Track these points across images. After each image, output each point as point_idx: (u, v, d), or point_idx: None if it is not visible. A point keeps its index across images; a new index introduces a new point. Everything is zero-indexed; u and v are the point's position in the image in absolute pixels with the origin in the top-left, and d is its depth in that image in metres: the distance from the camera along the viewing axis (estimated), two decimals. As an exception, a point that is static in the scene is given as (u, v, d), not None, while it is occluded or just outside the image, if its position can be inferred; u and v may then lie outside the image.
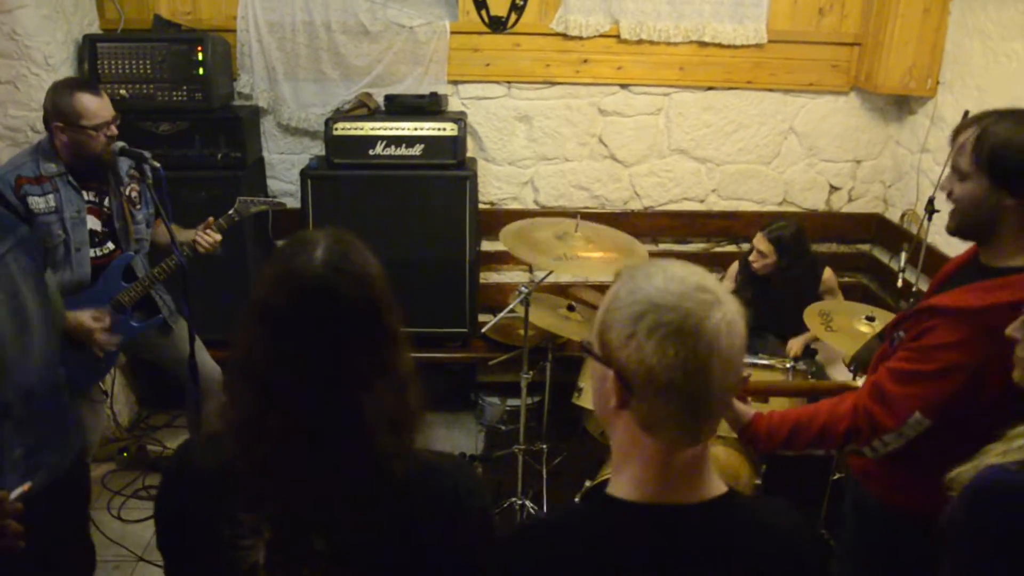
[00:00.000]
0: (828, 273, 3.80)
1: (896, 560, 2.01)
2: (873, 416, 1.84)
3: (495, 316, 3.38)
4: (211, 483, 1.23)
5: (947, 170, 1.87)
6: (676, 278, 1.09)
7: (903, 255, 3.39)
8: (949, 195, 1.85)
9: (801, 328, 3.36)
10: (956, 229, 1.88)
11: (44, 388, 1.99)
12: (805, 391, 2.90)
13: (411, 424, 1.26)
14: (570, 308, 3.62)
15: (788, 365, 3.10)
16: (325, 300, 1.18)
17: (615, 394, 1.10)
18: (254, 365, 1.19)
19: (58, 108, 2.83)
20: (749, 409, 2.06)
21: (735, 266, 3.97)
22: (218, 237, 3.11)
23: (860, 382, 2.72)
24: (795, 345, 3.68)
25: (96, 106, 2.84)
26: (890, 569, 2.03)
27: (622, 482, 1.16)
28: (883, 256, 4.54)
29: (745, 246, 4.33)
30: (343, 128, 3.93)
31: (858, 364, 2.64)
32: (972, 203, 1.80)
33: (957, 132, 1.83)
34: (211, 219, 3.12)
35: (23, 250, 1.96)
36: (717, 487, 1.16)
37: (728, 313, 1.08)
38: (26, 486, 1.61)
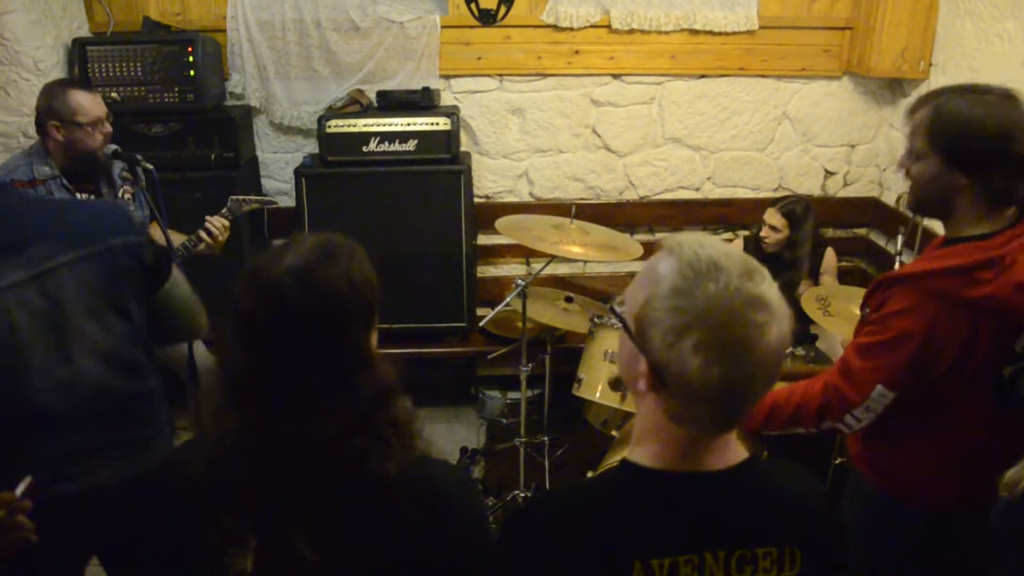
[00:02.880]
0: (830, 254, 3.81)
1: (895, 543, 2.02)
2: (840, 392, 1.88)
3: (493, 310, 3.38)
4: (197, 489, 1.23)
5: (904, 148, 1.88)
6: (732, 288, 1.02)
7: (900, 238, 3.38)
8: (906, 173, 1.86)
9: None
10: (915, 206, 1.91)
11: (103, 397, 1.95)
12: (802, 375, 2.87)
13: (393, 427, 1.25)
14: (568, 300, 3.62)
15: (787, 351, 3.10)
16: (282, 307, 1.19)
17: (646, 381, 1.08)
18: (232, 372, 1.20)
19: (53, 107, 2.81)
20: None
21: (738, 246, 3.95)
22: (227, 222, 3.11)
23: None
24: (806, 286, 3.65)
25: (90, 102, 2.83)
26: (891, 553, 2.04)
27: (643, 454, 1.15)
28: (880, 240, 4.54)
29: (743, 233, 4.33)
30: (336, 125, 3.93)
31: None
32: (928, 182, 1.81)
33: (913, 111, 1.83)
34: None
35: (98, 264, 1.91)
36: (739, 454, 1.16)
37: (780, 330, 1.04)
38: (27, 480, 1.60)
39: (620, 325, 1.13)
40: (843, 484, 2.20)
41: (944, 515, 1.95)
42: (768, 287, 1.05)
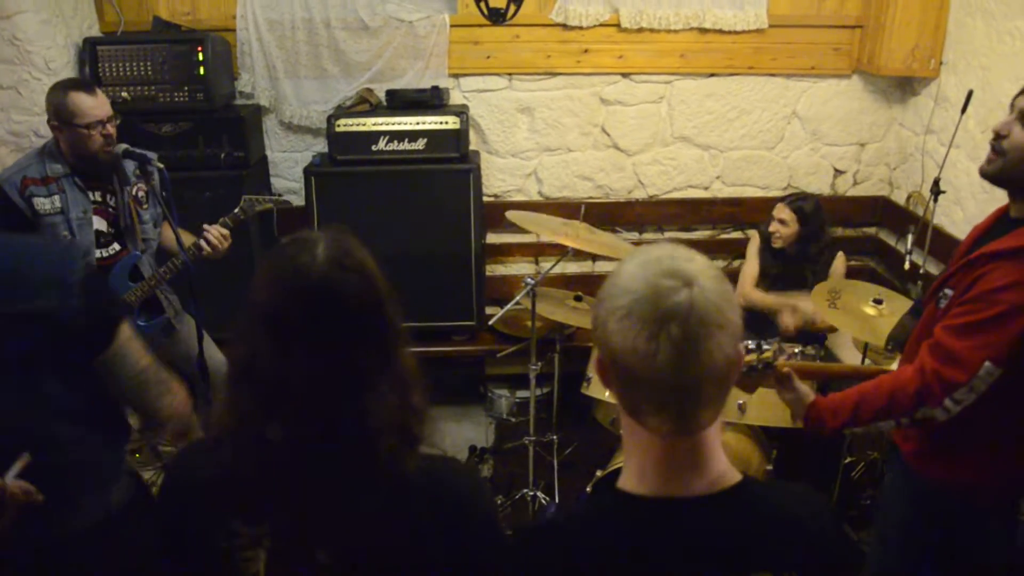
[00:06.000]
0: (840, 258, 3.77)
1: (948, 536, 2.02)
2: (942, 375, 1.82)
3: (502, 308, 3.38)
4: (209, 493, 1.20)
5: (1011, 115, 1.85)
6: (649, 261, 1.07)
7: (910, 237, 3.37)
8: (1000, 137, 1.84)
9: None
10: (996, 174, 1.88)
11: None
12: (849, 374, 2.71)
13: (418, 423, 1.23)
14: (577, 299, 3.62)
15: (796, 351, 3.07)
16: (331, 299, 1.15)
17: (600, 374, 1.12)
18: (258, 371, 1.15)
19: (53, 108, 2.85)
20: (809, 392, 2.04)
21: (755, 242, 3.94)
22: (226, 231, 3.11)
23: (895, 365, 2.68)
24: (790, 322, 3.64)
25: (89, 104, 2.84)
26: (941, 546, 2.04)
27: (629, 473, 1.15)
28: (889, 239, 4.53)
29: (752, 233, 4.32)
30: (345, 124, 3.94)
31: (896, 343, 2.60)
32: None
33: None
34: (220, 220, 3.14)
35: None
36: (730, 477, 1.12)
37: (697, 298, 1.02)
38: (23, 459, 1.53)
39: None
40: (851, 487, 2.18)
41: (996, 508, 1.96)
42: (696, 265, 1.06)
